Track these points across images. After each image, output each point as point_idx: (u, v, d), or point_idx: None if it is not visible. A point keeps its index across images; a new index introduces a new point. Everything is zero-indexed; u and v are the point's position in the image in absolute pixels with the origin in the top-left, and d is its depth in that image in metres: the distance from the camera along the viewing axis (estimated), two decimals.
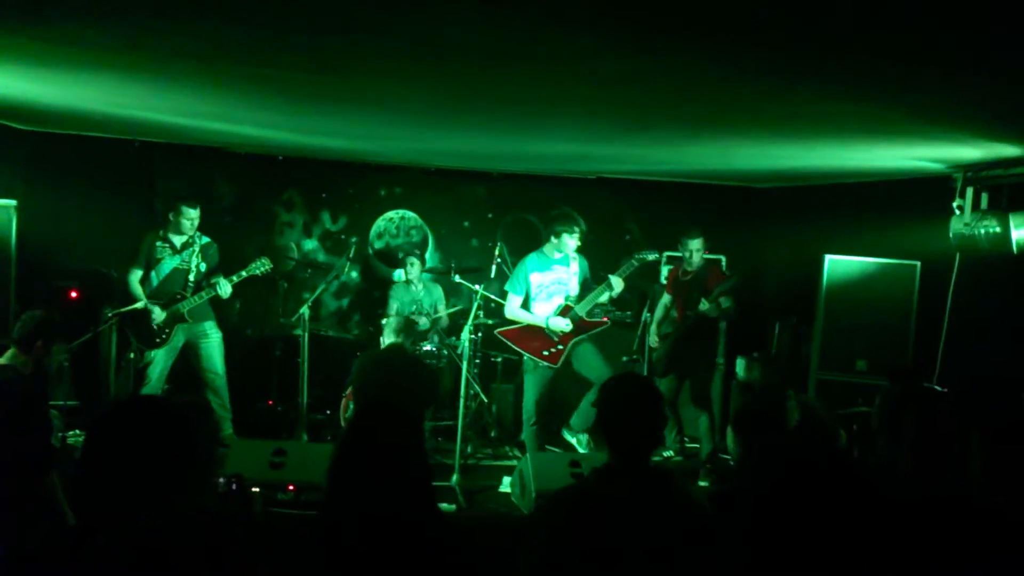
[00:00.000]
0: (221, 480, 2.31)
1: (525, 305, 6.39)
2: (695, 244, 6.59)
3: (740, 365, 7.36)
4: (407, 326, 5.90)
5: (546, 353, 6.25)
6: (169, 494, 1.74)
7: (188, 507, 1.76)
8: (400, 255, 8.18)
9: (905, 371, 4.08)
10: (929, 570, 2.16)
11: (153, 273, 6.53)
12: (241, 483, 2.36)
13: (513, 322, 6.41)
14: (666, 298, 7.05)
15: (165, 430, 1.78)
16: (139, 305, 6.32)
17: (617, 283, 6.23)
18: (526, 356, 6.36)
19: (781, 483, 1.62)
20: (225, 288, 6.40)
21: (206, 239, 6.70)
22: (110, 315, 6.24)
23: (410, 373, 5.76)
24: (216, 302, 6.64)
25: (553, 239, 6.35)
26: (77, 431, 6.01)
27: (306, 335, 6.87)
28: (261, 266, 6.51)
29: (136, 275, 6.51)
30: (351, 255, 7.77)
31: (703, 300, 6.42)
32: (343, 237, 8.48)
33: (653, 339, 6.98)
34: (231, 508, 2.30)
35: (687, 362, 6.70)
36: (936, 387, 3.21)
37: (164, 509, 1.72)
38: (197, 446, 1.82)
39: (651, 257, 6.47)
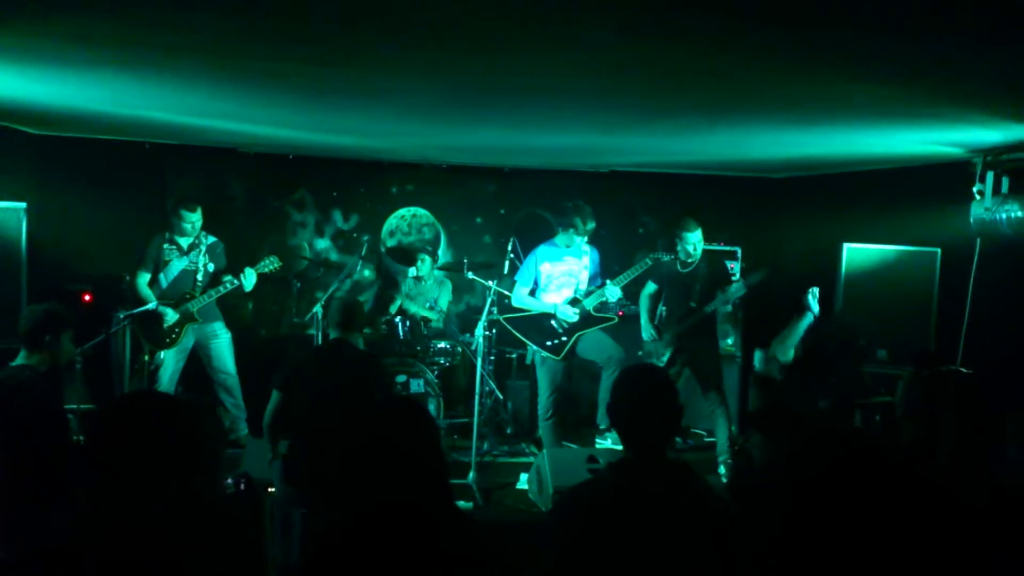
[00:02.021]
0: (229, 480, 2.26)
1: (533, 295, 6.34)
2: (696, 237, 6.23)
3: (758, 358, 7.26)
4: (349, 315, 4.75)
5: (549, 344, 6.19)
6: (170, 488, 1.71)
7: (192, 502, 1.73)
8: (416, 251, 8.13)
9: (931, 355, 4.00)
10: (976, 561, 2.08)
11: (162, 275, 6.53)
12: (250, 482, 2.31)
13: (520, 310, 6.34)
14: (651, 288, 6.65)
15: (164, 423, 1.76)
16: (150, 306, 6.30)
17: (612, 292, 6.13)
18: (531, 348, 6.30)
19: (814, 478, 1.54)
20: (249, 280, 6.37)
21: (212, 239, 6.69)
22: (122, 317, 6.21)
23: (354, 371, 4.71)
24: (227, 303, 6.62)
25: (561, 230, 6.31)
26: None
27: (319, 335, 6.83)
28: (270, 264, 6.48)
29: (144, 278, 6.50)
30: (363, 254, 7.74)
31: (737, 283, 6.09)
32: (355, 236, 8.43)
33: (648, 333, 6.65)
34: (239, 506, 2.26)
35: (688, 350, 6.38)
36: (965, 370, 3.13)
37: (167, 503, 1.69)
38: (198, 441, 1.78)
39: (667, 258, 6.32)
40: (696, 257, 6.31)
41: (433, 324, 7.41)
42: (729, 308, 6.24)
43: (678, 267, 6.38)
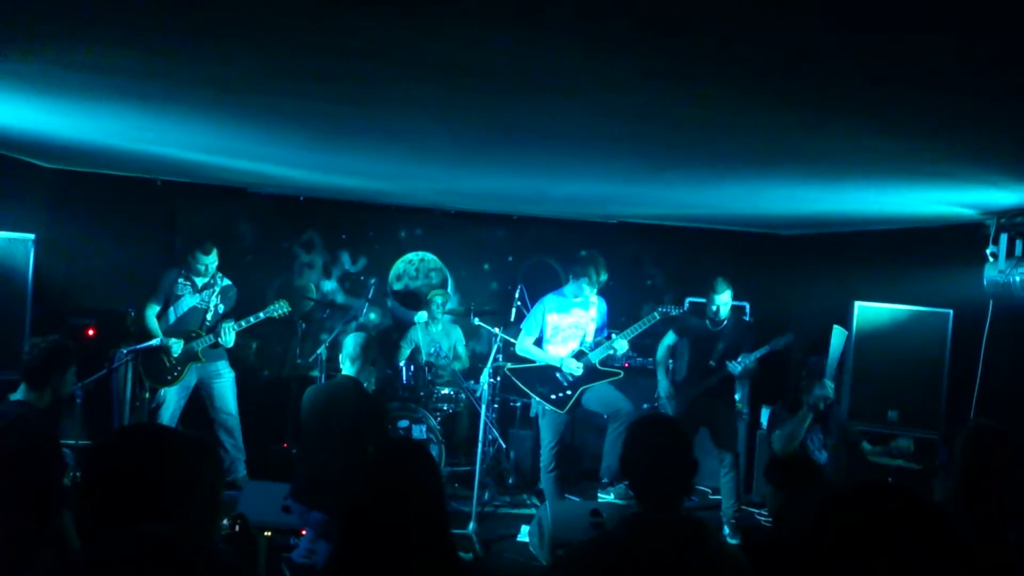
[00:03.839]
0: (225, 521, 2.20)
1: (538, 345, 6.26)
2: (721, 297, 6.21)
3: (766, 415, 7.16)
4: (364, 351, 4.85)
5: (553, 397, 6.11)
6: (168, 523, 1.65)
7: (188, 541, 1.66)
8: (431, 290, 8.12)
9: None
10: None
11: (171, 309, 6.51)
12: (245, 524, 2.24)
13: (525, 360, 6.26)
14: (671, 338, 6.60)
15: (162, 457, 1.70)
16: (154, 342, 6.26)
17: (619, 346, 6.13)
18: (534, 399, 6.22)
19: (833, 532, 1.48)
20: (228, 337, 6.35)
21: (227, 281, 6.68)
22: (125, 353, 6.15)
23: (356, 410, 4.75)
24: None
25: (572, 278, 6.23)
26: None
27: (323, 376, 6.77)
28: (279, 308, 6.47)
29: (154, 310, 6.48)
30: (370, 296, 7.70)
31: (743, 358, 6.09)
32: (362, 278, 8.43)
33: (664, 389, 6.53)
34: (234, 549, 2.19)
35: (705, 411, 6.30)
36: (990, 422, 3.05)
37: (163, 540, 1.62)
38: (199, 477, 1.72)
39: (675, 312, 6.29)
40: (724, 317, 6.29)
41: (458, 369, 7.44)
42: (740, 368, 6.12)
43: (708, 324, 6.33)
